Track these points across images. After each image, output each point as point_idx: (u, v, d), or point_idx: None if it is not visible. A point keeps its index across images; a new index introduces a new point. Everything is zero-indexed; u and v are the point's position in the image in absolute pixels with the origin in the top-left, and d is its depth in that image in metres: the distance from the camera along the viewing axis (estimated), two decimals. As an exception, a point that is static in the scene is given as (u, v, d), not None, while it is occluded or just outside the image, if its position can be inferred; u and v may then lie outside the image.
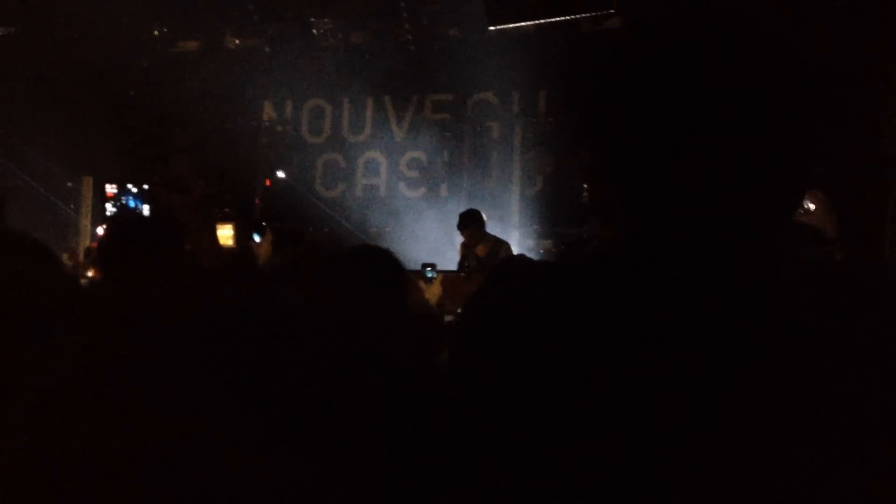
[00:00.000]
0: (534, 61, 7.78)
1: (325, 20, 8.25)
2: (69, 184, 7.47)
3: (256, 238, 7.14)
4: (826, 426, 0.68)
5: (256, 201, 8.54)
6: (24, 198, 6.88)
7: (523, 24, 7.79)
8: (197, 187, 1.86)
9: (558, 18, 7.54)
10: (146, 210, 2.04)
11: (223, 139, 8.28)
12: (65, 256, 6.05)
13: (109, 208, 2.02)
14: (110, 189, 2.01)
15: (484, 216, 6.55)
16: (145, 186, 2.00)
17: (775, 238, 0.77)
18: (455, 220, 6.55)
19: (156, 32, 8.31)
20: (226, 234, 6.45)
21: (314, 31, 8.35)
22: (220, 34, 8.53)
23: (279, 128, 8.94)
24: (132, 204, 2.02)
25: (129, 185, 2.00)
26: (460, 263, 6.53)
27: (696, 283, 0.73)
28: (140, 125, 7.80)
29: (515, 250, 7.09)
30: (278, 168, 8.47)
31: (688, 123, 0.74)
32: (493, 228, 7.34)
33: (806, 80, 0.76)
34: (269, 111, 9.05)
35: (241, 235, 6.54)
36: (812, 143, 0.76)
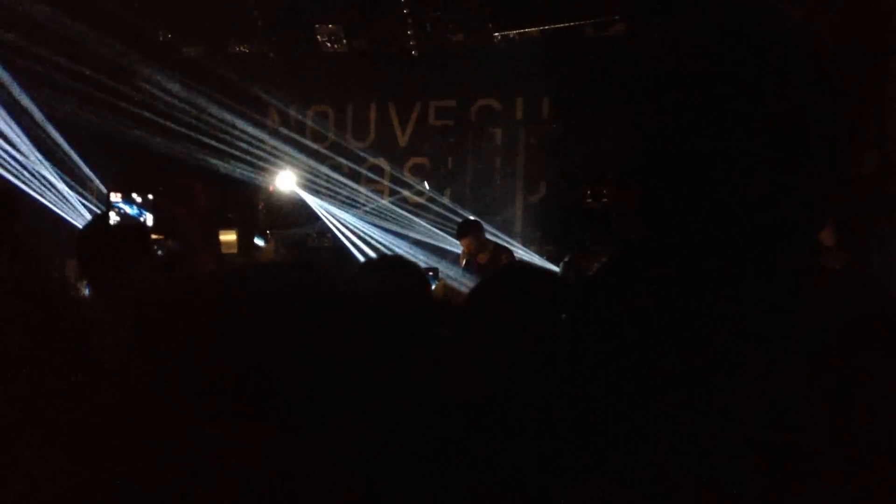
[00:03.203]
0: (537, 67, 7.78)
1: (330, 26, 8.25)
2: (73, 192, 7.48)
3: (260, 242, 7.15)
4: (831, 432, 0.68)
5: (260, 207, 8.54)
6: (32, 206, 6.91)
7: (527, 30, 7.80)
8: (201, 199, 1.87)
9: (562, 25, 7.55)
10: (150, 219, 2.04)
11: (227, 145, 8.29)
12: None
13: (113, 217, 2.03)
14: (114, 198, 2.02)
15: (482, 224, 6.61)
16: (150, 196, 2.00)
17: (793, 251, 0.77)
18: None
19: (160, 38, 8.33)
20: (229, 239, 6.46)
21: (318, 37, 8.36)
22: (224, 40, 8.55)
23: (283, 133, 8.95)
24: (133, 213, 2.02)
25: (134, 195, 2.00)
26: (463, 270, 6.57)
27: (710, 292, 0.73)
28: (144, 131, 7.81)
29: (518, 256, 7.10)
30: (282, 174, 8.48)
31: (709, 132, 0.73)
32: (496, 234, 7.35)
33: (829, 90, 0.76)
34: (272, 117, 9.06)
35: (244, 241, 6.55)
36: (837, 155, 0.76)
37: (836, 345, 0.70)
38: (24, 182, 7.03)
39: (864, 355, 0.70)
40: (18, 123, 7.06)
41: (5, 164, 6.97)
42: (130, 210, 2.09)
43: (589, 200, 7.76)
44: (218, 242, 1.87)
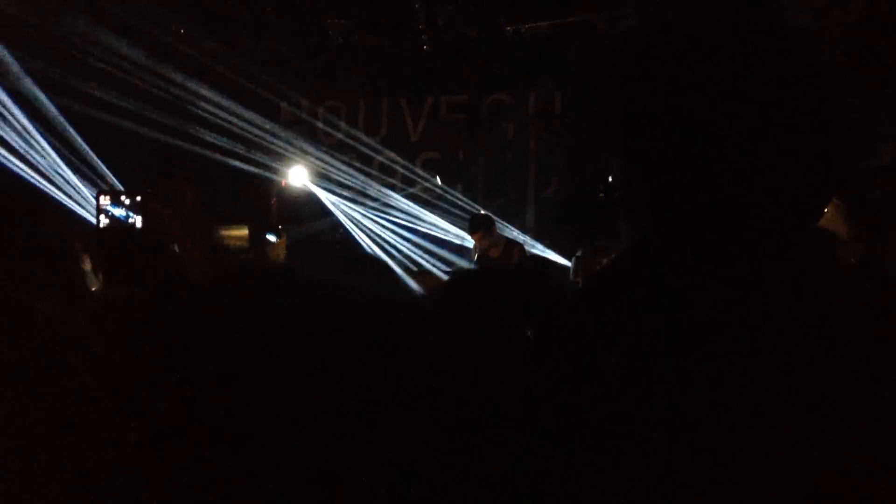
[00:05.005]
0: (549, 62, 7.74)
1: (341, 21, 8.26)
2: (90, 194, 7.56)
3: (272, 238, 7.18)
4: (846, 430, 0.67)
5: (273, 202, 8.58)
6: (54, 208, 6.99)
7: (539, 24, 7.76)
8: (188, 199, 1.89)
9: (574, 18, 7.50)
10: (138, 221, 2.06)
11: (239, 140, 8.33)
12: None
13: (103, 219, 2.05)
14: (104, 200, 2.05)
15: (494, 219, 6.61)
16: (138, 198, 2.03)
17: (800, 241, 0.77)
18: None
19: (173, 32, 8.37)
20: (241, 234, 6.51)
21: (330, 32, 8.37)
22: (236, 35, 8.58)
23: (295, 128, 8.98)
24: (122, 215, 2.05)
25: (123, 197, 2.02)
26: (475, 265, 6.57)
27: (723, 285, 0.73)
28: (156, 127, 7.86)
29: (529, 251, 7.09)
30: (294, 169, 8.52)
31: (718, 125, 0.73)
32: (507, 229, 7.34)
33: (836, 83, 0.75)
34: (284, 112, 9.09)
35: (256, 236, 6.60)
36: (840, 147, 0.76)
37: (851, 339, 0.69)
38: (39, 178, 7.13)
39: (880, 349, 0.69)
40: (32, 119, 7.15)
41: (22, 159, 7.06)
42: (119, 212, 2.11)
43: (601, 195, 7.71)
44: (202, 241, 1.89)
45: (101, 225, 2.15)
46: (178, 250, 2.00)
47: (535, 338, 0.89)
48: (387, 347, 0.94)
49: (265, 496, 0.83)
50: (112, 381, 1.02)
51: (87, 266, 3.86)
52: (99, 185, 7.58)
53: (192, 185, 1.85)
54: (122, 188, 7.05)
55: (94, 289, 3.62)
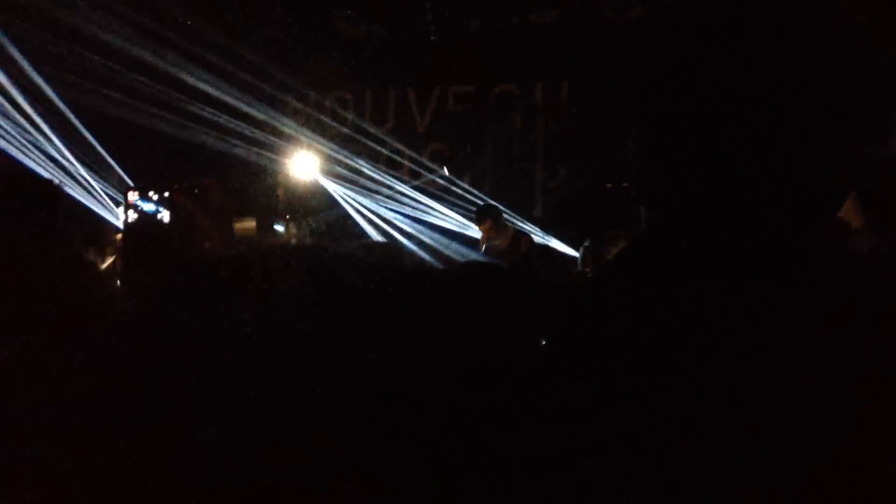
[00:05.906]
0: (557, 52, 7.71)
1: (348, 11, 8.23)
2: (108, 190, 7.56)
3: (279, 228, 7.17)
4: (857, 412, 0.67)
5: (280, 193, 8.57)
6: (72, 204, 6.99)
7: (546, 14, 7.73)
8: (216, 196, 1.91)
9: (581, 8, 7.47)
10: (166, 216, 2.09)
11: (247, 132, 8.32)
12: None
13: (131, 214, 2.08)
14: (132, 196, 2.07)
15: (501, 209, 6.61)
16: (166, 193, 2.05)
17: (818, 230, 0.76)
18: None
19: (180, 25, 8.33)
20: (249, 226, 6.53)
21: (336, 23, 8.33)
22: (243, 26, 8.54)
23: (302, 119, 8.96)
24: (151, 210, 2.07)
25: (151, 192, 2.05)
26: (484, 256, 6.57)
27: (740, 270, 0.72)
28: (165, 121, 7.85)
29: (537, 241, 7.09)
30: (301, 160, 8.50)
31: (736, 113, 0.73)
32: (515, 220, 7.34)
33: (860, 69, 0.74)
34: (292, 103, 9.06)
35: (264, 227, 6.62)
36: (862, 137, 0.75)
37: (866, 329, 0.69)
38: (50, 171, 7.13)
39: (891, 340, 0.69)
40: (43, 115, 7.15)
41: (33, 154, 7.07)
42: (148, 207, 2.14)
43: (609, 185, 7.70)
44: (233, 234, 1.91)
45: (130, 220, 2.18)
46: (205, 244, 2.02)
47: (545, 332, 0.89)
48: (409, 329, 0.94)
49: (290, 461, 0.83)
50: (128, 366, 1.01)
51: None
52: (106, 180, 7.59)
53: (219, 181, 1.87)
54: (130, 184, 7.08)
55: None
